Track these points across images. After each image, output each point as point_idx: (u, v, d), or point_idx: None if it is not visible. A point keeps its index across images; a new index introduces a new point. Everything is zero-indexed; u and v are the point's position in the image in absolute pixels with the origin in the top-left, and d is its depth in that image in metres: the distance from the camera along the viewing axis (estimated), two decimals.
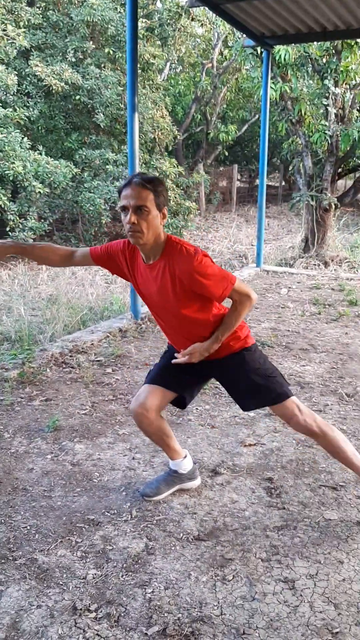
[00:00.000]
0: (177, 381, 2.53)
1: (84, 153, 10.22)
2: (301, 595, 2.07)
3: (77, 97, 10.28)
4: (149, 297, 2.39)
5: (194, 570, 2.20)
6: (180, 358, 2.39)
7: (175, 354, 2.44)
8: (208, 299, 2.29)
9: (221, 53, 16.64)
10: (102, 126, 10.65)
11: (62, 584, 2.12)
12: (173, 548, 2.33)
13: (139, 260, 2.36)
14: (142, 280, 2.37)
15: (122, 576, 2.16)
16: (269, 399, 2.41)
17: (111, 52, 11.09)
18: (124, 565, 2.22)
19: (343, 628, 1.92)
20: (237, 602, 2.04)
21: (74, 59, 10.48)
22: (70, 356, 4.51)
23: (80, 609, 2.00)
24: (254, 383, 2.40)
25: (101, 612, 1.99)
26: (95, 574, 2.17)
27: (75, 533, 2.42)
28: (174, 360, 2.42)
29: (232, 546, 2.34)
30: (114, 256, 2.42)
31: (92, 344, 4.82)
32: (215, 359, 2.42)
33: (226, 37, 15.83)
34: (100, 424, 3.44)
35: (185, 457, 2.71)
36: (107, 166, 10.02)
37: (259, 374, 2.40)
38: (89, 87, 10.28)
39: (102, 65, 11.02)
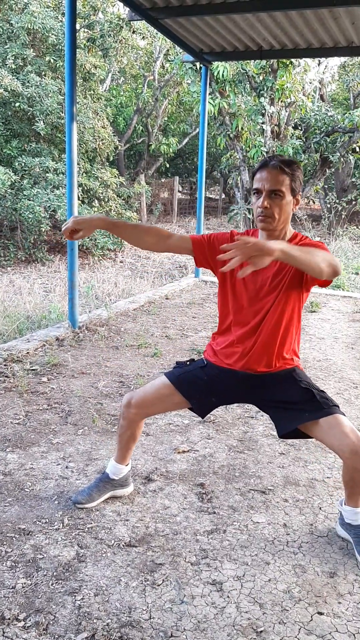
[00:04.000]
0: (201, 400, 2.44)
1: (24, 160, 10.11)
2: (228, 597, 2.13)
3: (17, 104, 10.17)
4: (251, 285, 2.26)
5: (124, 576, 2.22)
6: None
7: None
8: (301, 300, 2.26)
9: (163, 66, 16.86)
10: (42, 134, 10.57)
11: None
12: (104, 555, 2.34)
13: None
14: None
15: (52, 584, 2.16)
16: (325, 409, 2.25)
17: (52, 60, 11.04)
18: (54, 573, 2.22)
19: (267, 627, 1.99)
20: (166, 605, 2.07)
21: (14, 66, 10.36)
22: (5, 365, 4.44)
23: (9, 619, 1.98)
24: (309, 392, 2.29)
25: (30, 620, 1.98)
26: (24, 583, 2.16)
27: (5, 543, 2.39)
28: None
29: (162, 551, 2.37)
30: (217, 242, 2.31)
31: (28, 352, 4.77)
32: (263, 373, 2.34)
33: (168, 50, 16.05)
34: (34, 434, 3.41)
35: (127, 465, 2.73)
36: (48, 174, 9.95)
37: (311, 387, 2.32)
38: (29, 95, 10.19)
39: (43, 73, 10.95)
